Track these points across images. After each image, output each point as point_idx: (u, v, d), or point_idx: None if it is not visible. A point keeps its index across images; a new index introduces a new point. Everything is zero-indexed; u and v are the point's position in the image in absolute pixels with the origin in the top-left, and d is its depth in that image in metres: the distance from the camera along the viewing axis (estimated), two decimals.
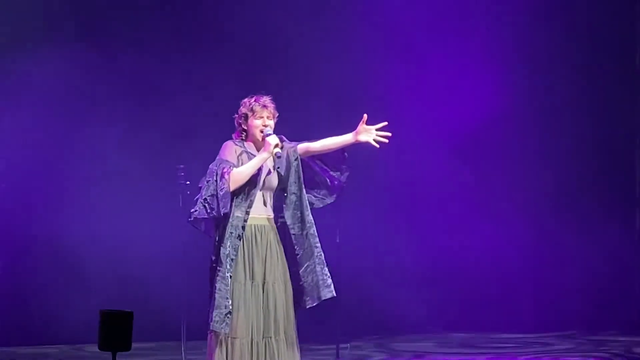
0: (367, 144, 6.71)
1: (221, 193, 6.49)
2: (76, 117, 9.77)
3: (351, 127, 6.87)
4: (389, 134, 6.71)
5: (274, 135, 6.67)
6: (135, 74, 9.74)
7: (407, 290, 10.10)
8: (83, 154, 9.78)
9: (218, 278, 6.57)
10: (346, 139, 6.75)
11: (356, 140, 6.72)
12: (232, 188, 6.53)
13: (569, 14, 9.89)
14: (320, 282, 6.67)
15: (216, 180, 6.52)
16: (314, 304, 6.67)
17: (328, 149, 6.79)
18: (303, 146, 6.79)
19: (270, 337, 6.63)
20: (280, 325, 6.65)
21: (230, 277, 6.57)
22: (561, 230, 10.39)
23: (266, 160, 6.63)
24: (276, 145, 6.61)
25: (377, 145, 6.73)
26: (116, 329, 6.01)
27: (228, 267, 6.57)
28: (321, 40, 9.84)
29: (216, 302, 6.53)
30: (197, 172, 8.90)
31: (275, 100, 6.78)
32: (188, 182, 8.32)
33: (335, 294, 6.64)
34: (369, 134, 6.71)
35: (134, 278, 9.45)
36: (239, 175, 6.56)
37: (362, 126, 6.72)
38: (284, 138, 6.80)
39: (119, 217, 9.67)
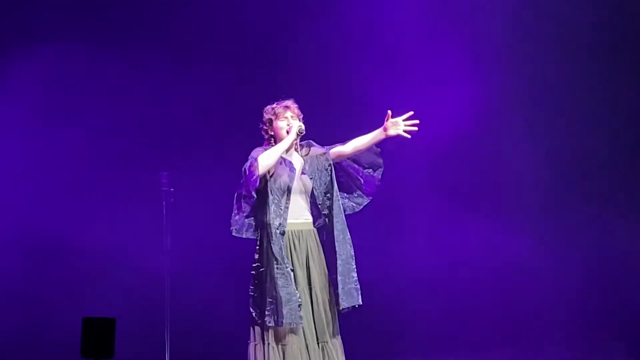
0: (397, 136, 6.75)
1: (252, 179, 6.45)
2: (62, 119, 9.69)
3: (339, 132, 6.89)
4: (417, 122, 6.74)
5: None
6: (126, 77, 9.68)
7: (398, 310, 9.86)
8: (68, 157, 9.70)
9: (277, 275, 6.52)
10: (375, 135, 6.80)
11: (386, 136, 6.76)
12: (261, 171, 6.50)
13: (560, 17, 9.86)
14: (353, 288, 6.66)
15: (246, 172, 6.49)
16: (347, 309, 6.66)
17: (360, 149, 6.83)
18: (335, 151, 6.84)
19: (327, 342, 6.65)
20: (332, 330, 6.67)
21: (291, 271, 6.53)
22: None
23: (292, 142, 6.64)
24: (299, 127, 6.63)
25: (409, 136, 6.77)
26: (99, 336, 5.97)
27: (286, 262, 6.53)
28: (304, 45, 9.79)
29: (284, 298, 6.49)
30: (182, 179, 8.92)
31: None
32: (172, 189, 8.29)
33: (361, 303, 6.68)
34: (397, 126, 6.74)
35: (117, 284, 9.39)
36: (267, 158, 6.54)
37: (388, 121, 6.75)
38: (313, 143, 6.85)
39: (102, 223, 9.59)
